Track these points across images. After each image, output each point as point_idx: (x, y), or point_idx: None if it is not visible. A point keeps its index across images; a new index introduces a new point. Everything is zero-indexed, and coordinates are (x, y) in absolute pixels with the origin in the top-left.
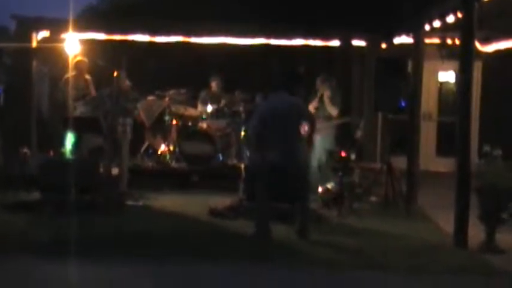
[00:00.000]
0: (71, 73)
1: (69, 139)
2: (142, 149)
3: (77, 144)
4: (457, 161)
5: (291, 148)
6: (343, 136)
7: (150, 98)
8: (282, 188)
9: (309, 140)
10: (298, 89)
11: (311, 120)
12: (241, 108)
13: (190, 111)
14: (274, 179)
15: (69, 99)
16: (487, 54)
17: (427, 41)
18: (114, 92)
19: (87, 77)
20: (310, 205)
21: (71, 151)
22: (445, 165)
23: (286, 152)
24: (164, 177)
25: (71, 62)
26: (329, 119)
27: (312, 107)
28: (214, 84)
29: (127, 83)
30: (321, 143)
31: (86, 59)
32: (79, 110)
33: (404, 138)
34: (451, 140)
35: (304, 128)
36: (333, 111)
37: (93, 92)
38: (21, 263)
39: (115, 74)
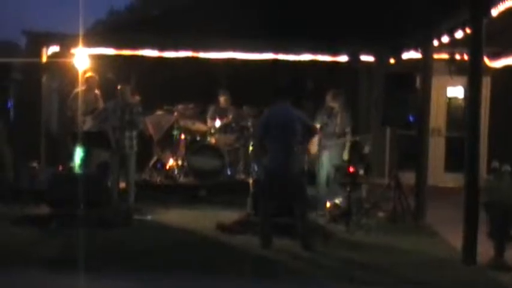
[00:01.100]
0: (80, 88)
1: (78, 154)
2: (151, 163)
3: (85, 159)
4: (466, 176)
5: (288, 158)
6: (351, 151)
7: (159, 112)
8: (281, 200)
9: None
10: (305, 103)
11: (312, 131)
12: (249, 123)
13: (199, 126)
14: (274, 190)
15: (78, 114)
16: (496, 70)
17: (436, 56)
18: (119, 105)
19: (97, 92)
20: (310, 216)
21: (79, 166)
22: (454, 180)
23: (283, 162)
24: (172, 192)
25: (82, 77)
26: (338, 135)
27: (319, 122)
28: (222, 99)
29: (137, 97)
30: (329, 159)
31: (96, 75)
32: (88, 124)
33: (412, 154)
34: (459, 155)
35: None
36: (346, 127)
37: (101, 106)
38: (29, 277)
39: (119, 87)
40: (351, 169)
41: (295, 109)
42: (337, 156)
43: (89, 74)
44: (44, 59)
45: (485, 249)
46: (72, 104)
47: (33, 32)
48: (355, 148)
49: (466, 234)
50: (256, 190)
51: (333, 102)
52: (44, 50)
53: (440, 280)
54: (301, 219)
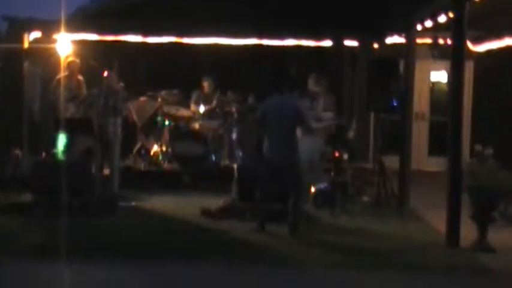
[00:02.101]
0: (62, 74)
1: (61, 140)
2: (135, 149)
3: (68, 146)
4: (449, 160)
5: (286, 147)
6: (336, 136)
7: (142, 98)
8: (276, 187)
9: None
10: (289, 90)
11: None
12: (233, 109)
13: (183, 112)
14: (270, 177)
15: (60, 100)
16: (479, 54)
17: (419, 41)
18: (104, 92)
19: (80, 77)
20: (302, 204)
21: (62, 152)
22: (437, 164)
23: (281, 150)
24: (157, 178)
25: (63, 62)
26: (321, 120)
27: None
28: (206, 85)
29: (120, 84)
30: (312, 144)
31: (77, 60)
32: (70, 110)
33: (396, 138)
34: (443, 139)
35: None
36: (328, 113)
37: (84, 92)
38: (13, 265)
39: (105, 74)
40: (336, 154)
41: (292, 99)
42: (319, 140)
43: (70, 59)
44: (26, 44)
45: (468, 232)
46: (55, 90)
47: (14, 17)
48: (338, 133)
49: (449, 218)
50: (242, 177)
51: (315, 87)
52: (26, 35)
53: (425, 263)
54: (295, 207)
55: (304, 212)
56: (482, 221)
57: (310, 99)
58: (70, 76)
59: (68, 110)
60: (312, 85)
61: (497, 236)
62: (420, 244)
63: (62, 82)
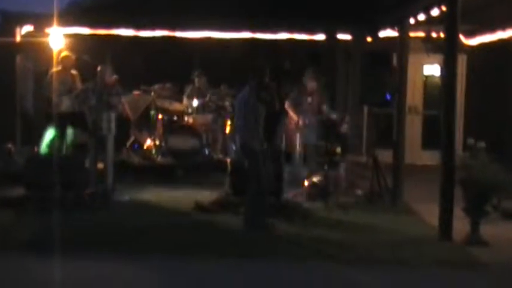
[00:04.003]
0: (56, 68)
1: (54, 134)
2: (128, 143)
3: (62, 140)
4: (442, 154)
5: (240, 138)
6: (329, 130)
7: (136, 92)
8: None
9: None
10: (284, 84)
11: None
12: (227, 103)
13: (176, 106)
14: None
15: (53, 95)
16: (472, 48)
17: (412, 34)
18: (98, 86)
19: (74, 72)
20: (255, 193)
21: (56, 147)
22: (431, 158)
23: (238, 142)
24: (150, 172)
25: (57, 57)
26: (316, 114)
27: (291, 101)
28: (196, 80)
29: (115, 77)
30: (308, 137)
31: (72, 55)
32: (64, 104)
33: (389, 132)
34: (436, 133)
35: None
36: (323, 105)
37: (79, 87)
38: (6, 260)
39: (99, 68)
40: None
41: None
42: (316, 134)
43: (64, 54)
44: (18, 38)
45: (461, 225)
46: (49, 84)
47: (6, 11)
48: (332, 126)
49: (442, 212)
50: (239, 170)
51: (311, 81)
52: (18, 29)
53: (417, 258)
54: (248, 196)
55: (299, 206)
56: (475, 214)
57: (304, 93)
58: (63, 71)
59: (63, 104)
60: (308, 80)
61: (490, 229)
62: (413, 238)
63: (56, 76)
